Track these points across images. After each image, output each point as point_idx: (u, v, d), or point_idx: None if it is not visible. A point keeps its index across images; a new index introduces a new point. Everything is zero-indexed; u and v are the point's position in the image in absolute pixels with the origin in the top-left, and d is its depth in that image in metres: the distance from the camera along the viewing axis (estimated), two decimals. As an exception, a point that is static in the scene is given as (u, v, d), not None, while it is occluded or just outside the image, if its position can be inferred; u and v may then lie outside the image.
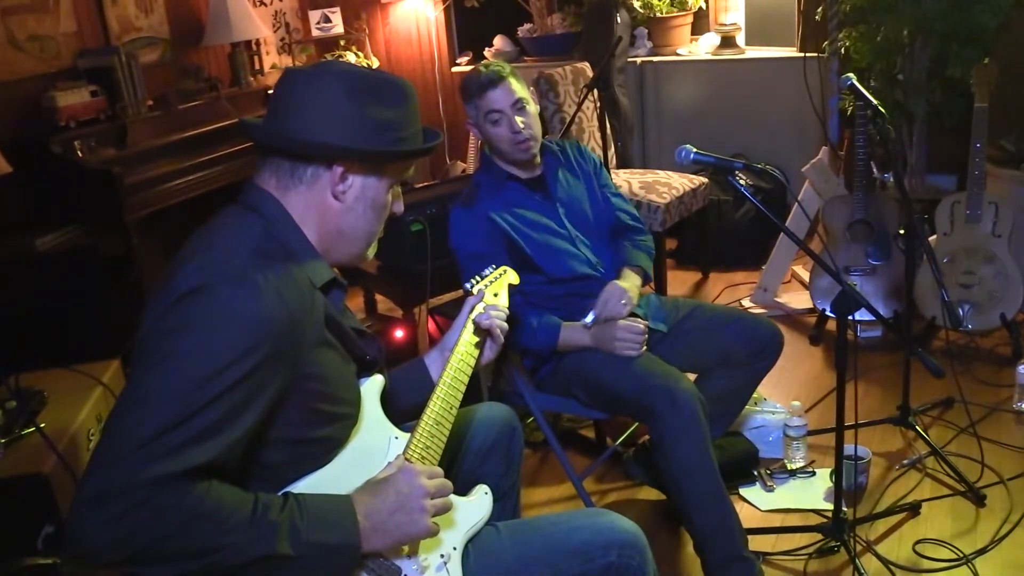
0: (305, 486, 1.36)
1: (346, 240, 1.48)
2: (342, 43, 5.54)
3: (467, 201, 2.46)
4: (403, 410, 1.64)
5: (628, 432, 2.87)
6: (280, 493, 1.32)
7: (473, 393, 2.91)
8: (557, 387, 2.46)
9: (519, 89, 2.38)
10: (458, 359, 1.70)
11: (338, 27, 5.51)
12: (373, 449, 1.48)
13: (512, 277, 2.00)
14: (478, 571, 1.53)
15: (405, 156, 1.49)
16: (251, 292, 1.26)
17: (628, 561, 1.55)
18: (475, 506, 1.59)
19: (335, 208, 1.44)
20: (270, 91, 4.66)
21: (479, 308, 1.80)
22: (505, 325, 1.78)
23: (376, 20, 5.71)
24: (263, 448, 1.33)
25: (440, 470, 1.46)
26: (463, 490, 1.81)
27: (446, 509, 1.42)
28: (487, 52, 5.43)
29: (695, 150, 2.18)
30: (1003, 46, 3.92)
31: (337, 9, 5.49)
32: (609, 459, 2.85)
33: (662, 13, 4.98)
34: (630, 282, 2.44)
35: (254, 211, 1.41)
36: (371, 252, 1.55)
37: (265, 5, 5.28)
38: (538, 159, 2.50)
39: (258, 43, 5.00)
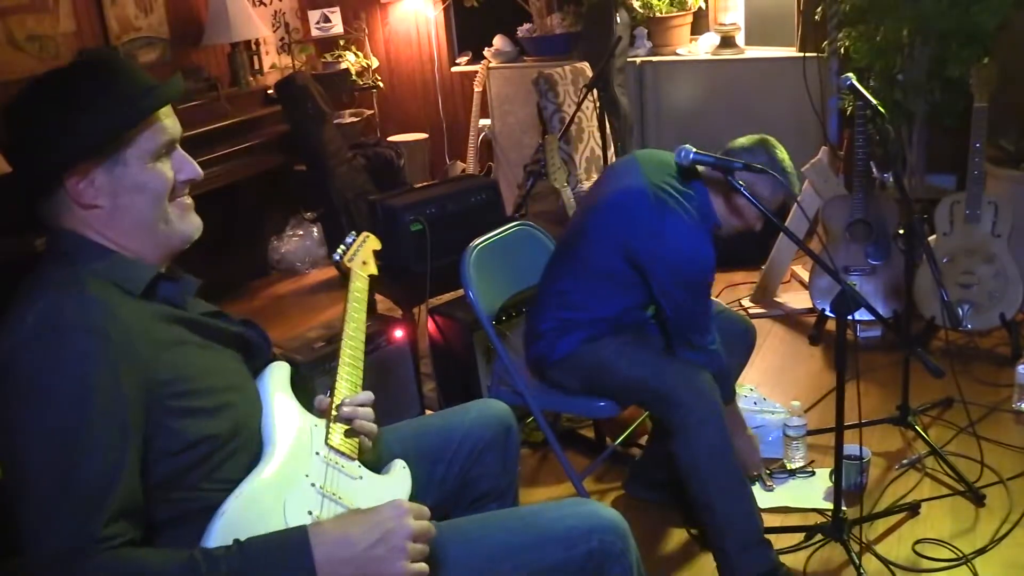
0: (240, 498, 1.33)
1: (140, 235, 1.42)
2: (341, 43, 5.54)
3: (695, 219, 2.29)
4: None
5: (628, 432, 2.87)
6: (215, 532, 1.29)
7: (472, 392, 2.93)
8: (565, 375, 2.43)
9: None
10: (347, 331, 1.71)
11: (337, 27, 5.52)
12: (298, 443, 1.47)
13: (374, 243, 2.04)
14: (459, 558, 1.51)
15: (118, 128, 1.37)
16: (55, 340, 1.24)
17: (610, 547, 1.55)
18: (398, 481, 1.57)
19: (102, 216, 1.39)
20: (270, 91, 4.70)
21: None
22: (372, 427, 1.59)
23: (375, 20, 5.71)
24: (154, 467, 1.30)
25: (427, 511, 1.40)
26: (457, 491, 1.82)
27: (423, 556, 1.35)
28: (486, 52, 5.43)
29: (695, 150, 2.18)
30: (1002, 46, 3.92)
31: (336, 9, 5.49)
32: (608, 459, 2.86)
33: (661, 13, 4.98)
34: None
35: (54, 255, 1.40)
36: (185, 227, 1.47)
37: (264, 5, 5.29)
38: None
39: (257, 43, 5.01)
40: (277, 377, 1.56)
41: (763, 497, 2.63)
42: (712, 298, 2.44)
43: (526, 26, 5.35)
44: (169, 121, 1.45)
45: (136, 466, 1.26)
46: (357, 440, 1.55)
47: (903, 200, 2.84)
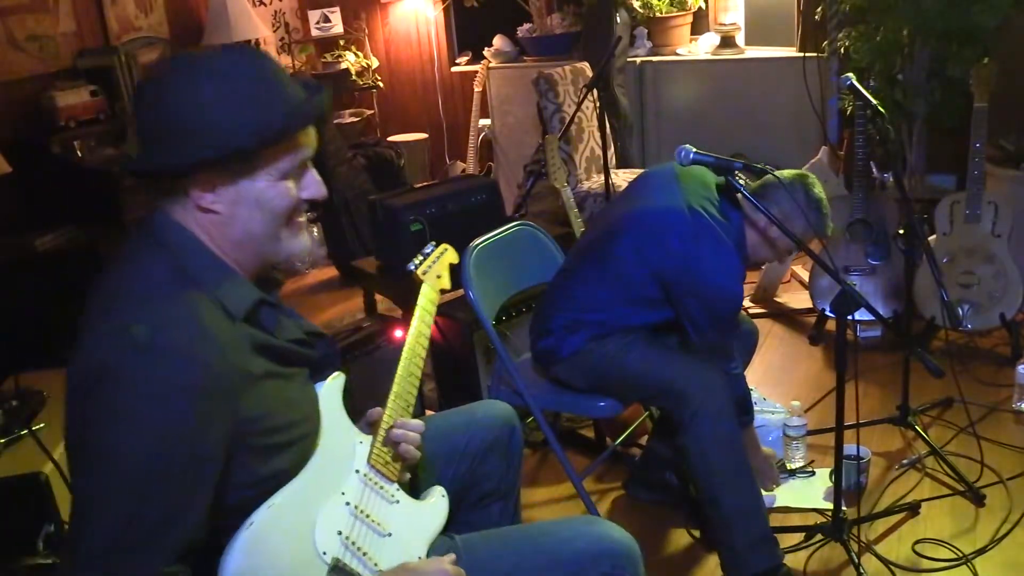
0: (272, 509, 1.30)
1: (246, 247, 1.35)
2: (341, 43, 5.55)
3: (731, 250, 2.22)
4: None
5: (628, 432, 2.87)
6: None
7: (472, 392, 2.93)
8: (573, 371, 2.42)
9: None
10: (411, 344, 1.70)
11: (337, 27, 5.52)
12: (339, 458, 1.45)
13: (452, 256, 2.02)
14: None
15: (268, 141, 1.29)
16: (160, 365, 1.18)
17: (620, 572, 1.54)
18: (435, 511, 1.58)
19: (216, 220, 1.32)
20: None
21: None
22: (416, 454, 1.56)
23: (375, 20, 5.71)
24: (222, 499, 1.27)
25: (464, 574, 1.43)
26: (461, 491, 1.82)
27: None
28: (486, 52, 5.43)
29: (694, 150, 2.17)
30: (1002, 46, 3.91)
31: (336, 9, 5.50)
32: (609, 459, 2.86)
33: (661, 13, 4.98)
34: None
35: (157, 243, 1.31)
36: (293, 246, 1.40)
37: (264, 5, 5.29)
38: None
39: (257, 43, 5.00)
40: (333, 389, 1.50)
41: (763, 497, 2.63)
42: None
43: (526, 26, 5.35)
44: (310, 138, 1.38)
45: (207, 505, 1.23)
46: (400, 464, 1.54)
47: (903, 200, 2.84)
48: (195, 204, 1.31)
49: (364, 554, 1.39)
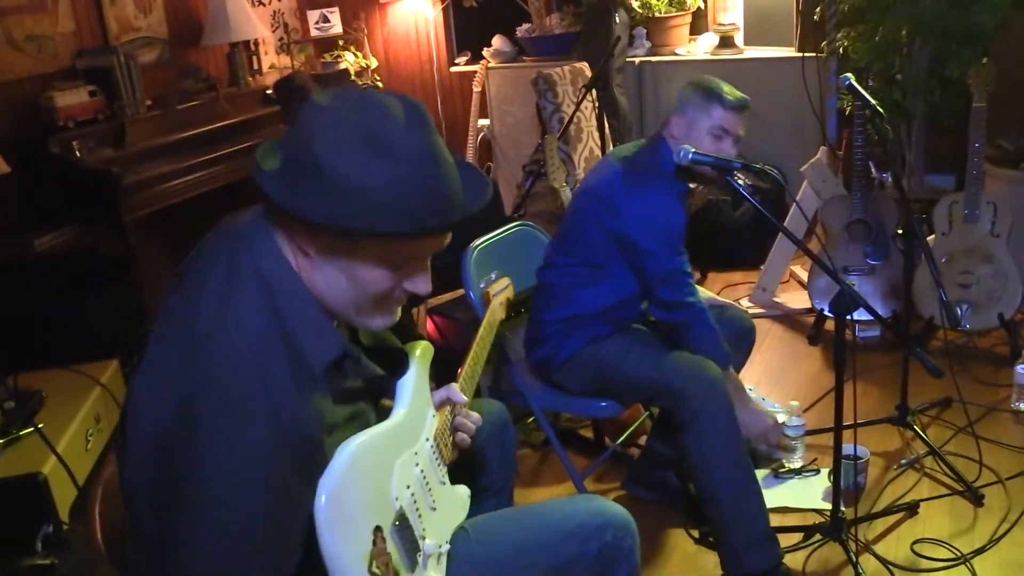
0: (360, 444, 1.28)
1: (326, 300, 1.28)
2: (341, 43, 5.54)
3: (663, 182, 2.38)
4: None
5: (628, 432, 2.87)
6: None
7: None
8: (571, 377, 2.44)
9: (744, 128, 2.40)
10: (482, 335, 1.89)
11: (336, 27, 5.52)
12: (417, 421, 1.50)
13: (510, 292, 2.15)
14: (480, 557, 1.54)
15: (407, 236, 1.22)
16: (253, 424, 1.15)
17: (621, 542, 1.58)
18: (464, 502, 1.62)
19: (306, 264, 1.26)
20: (268, 91, 4.70)
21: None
22: (469, 442, 1.64)
23: (375, 20, 5.71)
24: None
25: None
26: (469, 482, 1.84)
27: None
28: (486, 52, 5.44)
29: (693, 150, 2.19)
30: (1001, 46, 3.92)
31: (336, 9, 5.49)
32: (609, 459, 2.86)
33: (660, 13, 4.98)
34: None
35: (254, 268, 1.23)
36: (373, 321, 1.33)
37: (263, 5, 5.28)
38: None
39: (256, 43, 5.01)
40: (426, 355, 1.59)
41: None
42: (715, 295, 2.45)
43: (525, 26, 5.36)
44: (446, 239, 1.33)
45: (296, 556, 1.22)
46: (454, 449, 1.60)
47: (902, 200, 2.84)
48: (296, 241, 1.24)
49: (420, 517, 1.42)
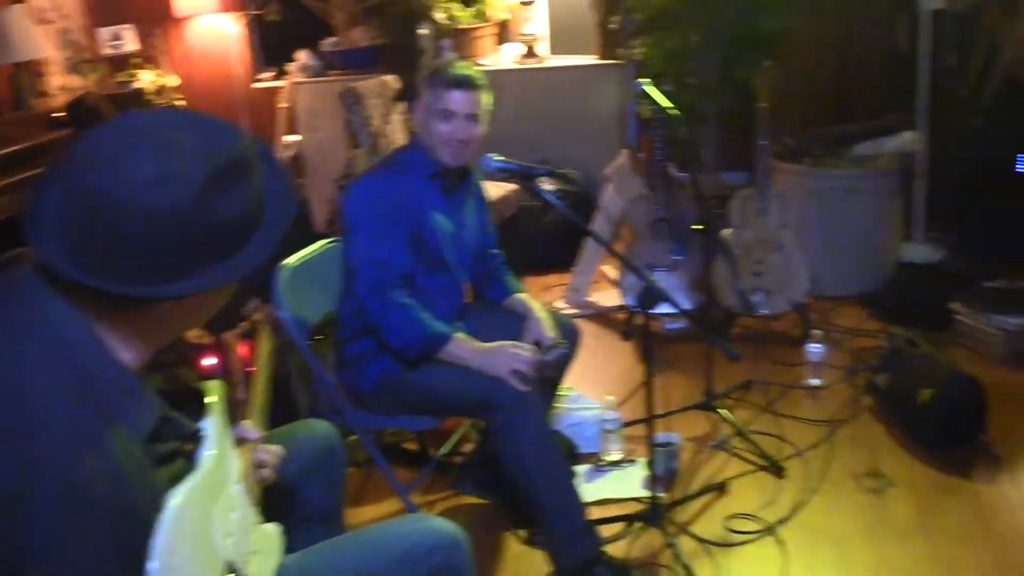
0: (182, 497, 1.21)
1: (164, 342, 1.25)
2: (136, 62, 5.29)
3: (395, 168, 2.41)
4: None
5: (452, 441, 2.89)
6: None
7: (291, 414, 2.86)
8: (380, 402, 2.44)
9: (483, 104, 2.40)
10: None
11: (131, 44, 5.26)
12: (225, 467, 1.41)
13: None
14: None
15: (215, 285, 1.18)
16: (94, 527, 1.08)
17: (453, 560, 1.58)
18: (277, 539, 1.56)
19: (139, 318, 1.19)
20: (56, 114, 4.43)
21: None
22: (273, 476, 1.60)
23: (172, 37, 5.49)
24: None
25: None
26: (288, 515, 1.78)
27: None
28: (289, 67, 5.33)
29: (498, 158, 2.23)
30: (783, 50, 4.22)
31: (129, 26, 5.24)
32: (434, 470, 2.86)
33: (465, 24, 5.05)
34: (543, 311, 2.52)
35: (56, 338, 1.12)
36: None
37: (50, 23, 4.97)
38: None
39: (42, 63, 4.71)
40: (219, 394, 1.45)
41: (584, 491, 2.70)
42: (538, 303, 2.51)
43: (330, 40, 5.29)
44: None
45: None
46: (258, 486, 1.53)
47: (698, 197, 3.00)
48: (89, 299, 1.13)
49: (247, 563, 1.37)
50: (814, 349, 3.24)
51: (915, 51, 3.83)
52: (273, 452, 1.59)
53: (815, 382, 3.24)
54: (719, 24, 4.06)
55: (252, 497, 1.49)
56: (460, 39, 5.11)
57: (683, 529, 2.50)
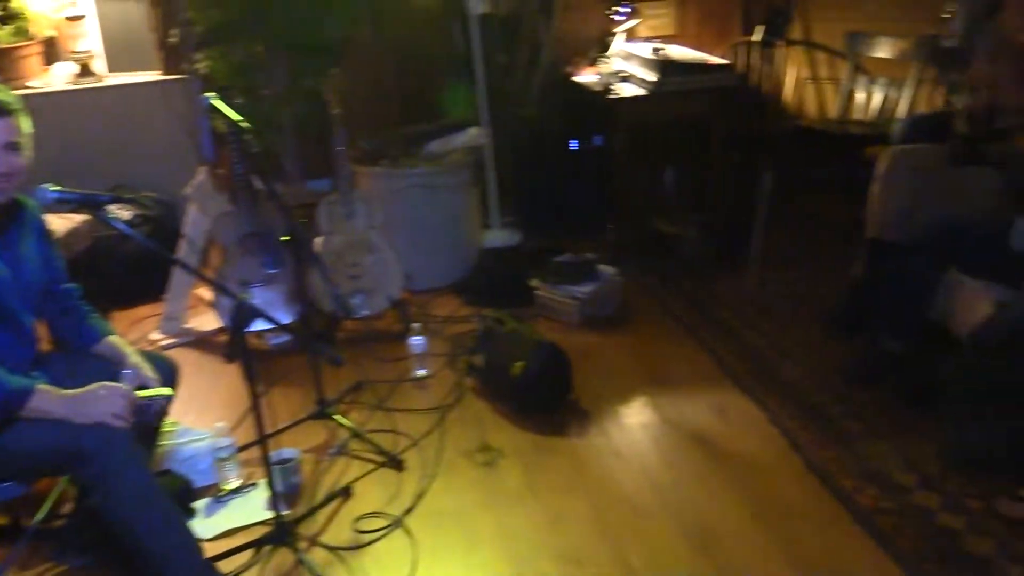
0: None
1: None
2: None
3: None
4: None
5: (48, 503, 2.59)
6: None
7: None
8: None
9: (23, 131, 2.14)
10: None
11: None
12: None
13: None
14: None
15: None
16: None
17: None
18: None
19: None
20: None
21: None
22: None
23: None
24: None
25: None
26: None
27: None
28: None
29: (55, 188, 2.05)
30: (349, 56, 4.32)
31: None
32: (32, 541, 2.55)
33: (4, 44, 4.53)
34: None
35: None
36: None
37: None
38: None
39: None
40: None
41: (206, 526, 2.58)
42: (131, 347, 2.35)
43: None
44: None
45: None
46: None
47: (281, 208, 2.97)
48: None
49: None
50: (416, 341, 3.38)
51: (470, 52, 4.12)
52: None
53: (421, 373, 3.39)
54: (281, 34, 4.06)
55: None
56: (2, 61, 4.58)
57: (313, 541, 2.49)
